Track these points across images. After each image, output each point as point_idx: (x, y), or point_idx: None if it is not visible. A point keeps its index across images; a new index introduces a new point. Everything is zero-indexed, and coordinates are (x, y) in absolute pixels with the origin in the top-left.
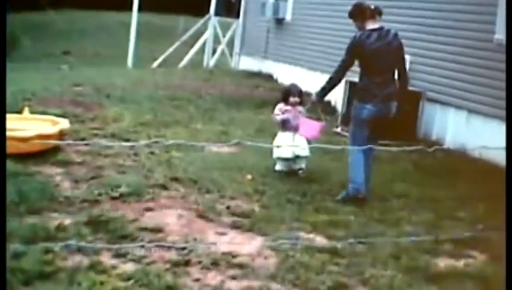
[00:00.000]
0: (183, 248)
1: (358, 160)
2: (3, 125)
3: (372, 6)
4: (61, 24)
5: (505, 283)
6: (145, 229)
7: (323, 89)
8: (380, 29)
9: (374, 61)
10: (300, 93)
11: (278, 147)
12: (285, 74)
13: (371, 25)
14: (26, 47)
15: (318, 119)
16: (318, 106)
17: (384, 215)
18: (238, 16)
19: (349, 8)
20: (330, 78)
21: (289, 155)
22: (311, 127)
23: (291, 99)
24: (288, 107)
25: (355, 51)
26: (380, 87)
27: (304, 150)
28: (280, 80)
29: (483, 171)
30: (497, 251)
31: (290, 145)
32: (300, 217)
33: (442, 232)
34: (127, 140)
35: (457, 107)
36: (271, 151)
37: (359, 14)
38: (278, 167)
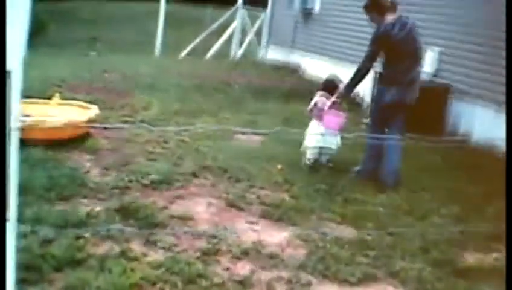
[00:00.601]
0: (214, 237)
1: (372, 144)
2: (3, 125)
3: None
4: (89, 12)
5: (505, 283)
6: (175, 217)
7: (351, 80)
8: (400, 19)
9: (398, 50)
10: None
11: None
12: (313, 65)
13: (390, 17)
14: (52, 32)
15: (342, 111)
16: (346, 97)
17: (413, 208)
18: (266, 7)
19: None
20: (358, 70)
21: (314, 144)
22: (333, 119)
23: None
24: (323, 98)
25: (381, 41)
26: (404, 73)
27: (329, 142)
28: (308, 71)
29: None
30: None
31: (314, 134)
32: (329, 208)
33: (471, 225)
34: (156, 127)
35: (486, 101)
36: (298, 141)
37: (375, 8)
38: (306, 155)
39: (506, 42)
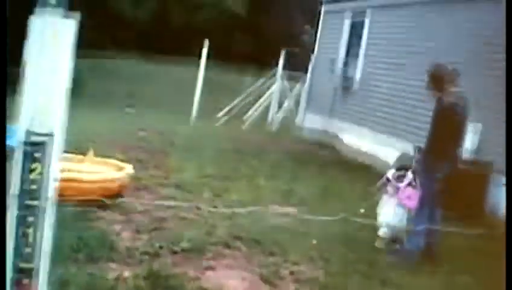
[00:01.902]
0: None
1: (424, 221)
2: (4, 126)
3: (450, 69)
4: (128, 71)
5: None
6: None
7: (424, 157)
8: (459, 93)
9: (457, 124)
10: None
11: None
12: (351, 134)
13: (450, 89)
14: (91, 88)
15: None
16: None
17: None
18: (305, 72)
19: (420, 69)
20: (431, 146)
21: (390, 221)
22: (411, 196)
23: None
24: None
25: (445, 116)
26: (455, 149)
27: (402, 219)
28: (346, 141)
29: None
30: None
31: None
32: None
33: None
34: (190, 191)
35: None
36: (336, 215)
37: (436, 77)
38: (380, 233)
39: (506, 43)
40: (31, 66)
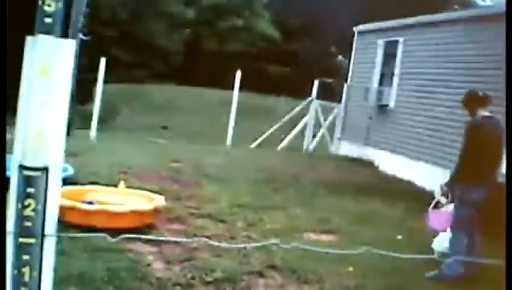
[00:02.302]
0: None
1: (460, 245)
2: (4, 126)
3: (481, 93)
4: (160, 97)
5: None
6: None
7: (453, 177)
8: (491, 117)
9: (491, 146)
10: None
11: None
12: (386, 161)
13: (481, 112)
14: (124, 117)
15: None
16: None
17: None
18: (340, 101)
19: (453, 97)
20: (461, 166)
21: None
22: (439, 217)
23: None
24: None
25: (476, 133)
26: (490, 171)
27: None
28: (381, 167)
29: None
30: None
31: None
32: None
33: None
34: (223, 221)
35: None
36: (372, 243)
37: (468, 100)
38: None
39: (506, 43)
40: (23, 95)
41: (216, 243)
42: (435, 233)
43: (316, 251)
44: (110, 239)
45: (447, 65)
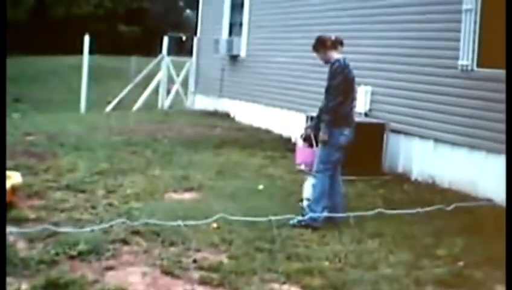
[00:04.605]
0: None
1: (326, 187)
2: (4, 126)
3: (333, 37)
4: (11, 70)
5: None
6: None
7: (317, 117)
8: (345, 59)
9: (352, 87)
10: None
11: None
12: (242, 111)
13: (335, 55)
14: None
15: (311, 146)
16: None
17: (360, 259)
18: (191, 55)
19: (304, 41)
20: (332, 105)
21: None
22: (304, 153)
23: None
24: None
25: (344, 75)
26: (352, 113)
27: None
28: (237, 118)
29: (455, 203)
30: (482, 289)
31: None
32: (271, 267)
33: (423, 272)
34: (83, 191)
35: (423, 137)
36: (234, 195)
37: (322, 45)
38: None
39: (506, 43)
40: None
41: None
42: (297, 177)
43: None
44: None
45: (295, 9)
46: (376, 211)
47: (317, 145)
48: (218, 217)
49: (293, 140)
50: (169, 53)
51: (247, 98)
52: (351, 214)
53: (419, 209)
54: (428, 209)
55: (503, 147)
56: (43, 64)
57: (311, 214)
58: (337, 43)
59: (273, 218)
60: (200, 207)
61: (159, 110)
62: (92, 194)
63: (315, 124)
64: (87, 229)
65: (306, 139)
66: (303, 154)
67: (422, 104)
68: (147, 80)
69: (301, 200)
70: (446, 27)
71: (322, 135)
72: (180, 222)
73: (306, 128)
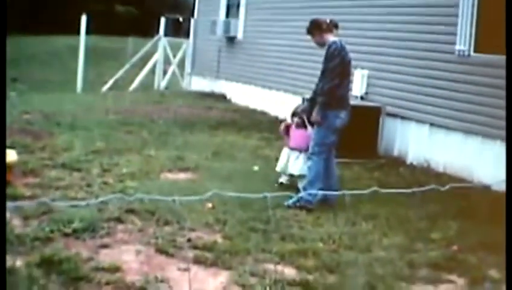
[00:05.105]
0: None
1: (321, 169)
2: (4, 126)
3: (328, 20)
4: (8, 50)
5: (506, 283)
6: (101, 268)
7: (311, 100)
8: (341, 41)
9: (348, 70)
10: (301, 113)
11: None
12: (239, 93)
13: (331, 38)
14: None
15: (305, 128)
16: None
17: (355, 241)
18: (188, 36)
19: (301, 23)
20: (328, 87)
21: (278, 170)
22: (298, 136)
23: (294, 119)
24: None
25: (341, 57)
26: (348, 95)
27: (295, 168)
28: (234, 100)
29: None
30: (476, 273)
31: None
32: (266, 247)
33: (417, 255)
34: (78, 170)
35: (419, 121)
36: (229, 176)
37: (317, 28)
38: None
39: (506, 42)
40: None
41: None
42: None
43: (173, 193)
44: None
45: None
46: (371, 189)
47: (312, 127)
48: (212, 194)
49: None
50: (166, 34)
51: (243, 80)
52: (346, 192)
53: (415, 189)
54: (423, 189)
55: (499, 132)
56: (41, 44)
57: (306, 196)
58: (332, 26)
59: (268, 195)
60: (195, 187)
61: (155, 91)
62: (87, 172)
63: (309, 106)
64: (83, 203)
65: (299, 124)
66: (299, 138)
67: (418, 88)
68: (143, 60)
69: (291, 176)
70: (444, 12)
71: (315, 116)
72: (175, 197)
73: (299, 111)
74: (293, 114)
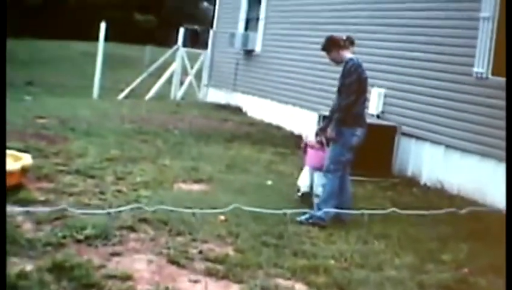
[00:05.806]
0: None
1: (336, 187)
2: (4, 125)
3: (344, 37)
4: (23, 53)
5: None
6: (112, 276)
7: (329, 118)
8: (358, 58)
9: (365, 87)
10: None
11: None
12: (255, 107)
13: (348, 55)
14: None
15: (322, 148)
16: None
17: (366, 259)
18: (206, 47)
19: (319, 40)
20: (345, 104)
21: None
22: (315, 156)
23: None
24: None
25: (358, 74)
26: (364, 113)
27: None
28: (249, 113)
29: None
30: None
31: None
32: (277, 262)
33: (427, 276)
34: (92, 177)
35: (434, 142)
36: (242, 189)
37: (333, 45)
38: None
39: (506, 42)
40: None
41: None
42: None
43: (187, 204)
44: None
45: (313, 8)
46: (390, 210)
47: (328, 145)
48: (233, 207)
49: (303, 138)
50: (184, 44)
51: (260, 94)
52: (365, 211)
53: (433, 212)
54: (439, 212)
55: None
56: (56, 49)
57: (319, 213)
58: (349, 43)
59: (288, 211)
60: (208, 199)
61: (171, 101)
62: (101, 180)
63: (326, 125)
64: (103, 211)
65: (319, 143)
66: (315, 158)
67: (435, 109)
68: (160, 70)
69: (298, 190)
70: (463, 34)
71: (330, 132)
72: (195, 210)
73: (318, 132)
74: (317, 134)
